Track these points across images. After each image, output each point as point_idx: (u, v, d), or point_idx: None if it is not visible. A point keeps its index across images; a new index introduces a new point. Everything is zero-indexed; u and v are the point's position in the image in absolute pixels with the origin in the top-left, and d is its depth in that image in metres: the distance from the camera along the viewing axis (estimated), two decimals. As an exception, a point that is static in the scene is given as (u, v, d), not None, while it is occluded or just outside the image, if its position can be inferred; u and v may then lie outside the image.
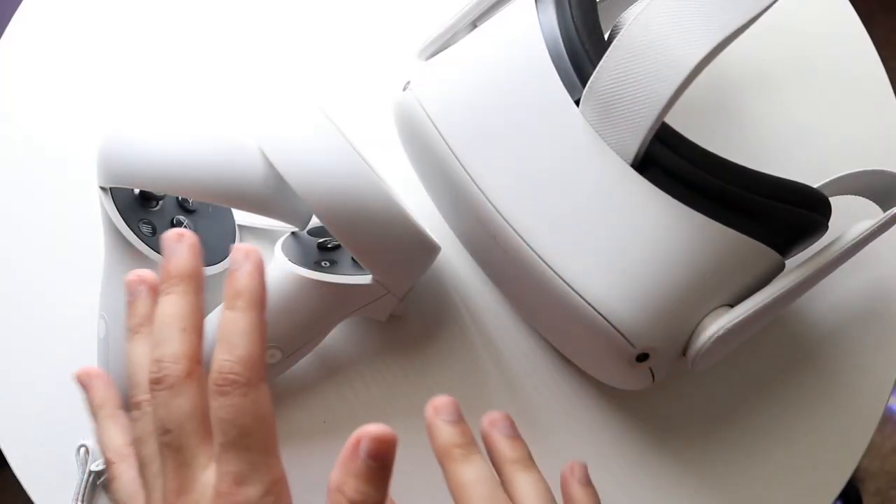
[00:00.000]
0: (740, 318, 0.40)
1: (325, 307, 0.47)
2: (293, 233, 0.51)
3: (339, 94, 0.57)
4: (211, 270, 0.50)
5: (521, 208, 0.41)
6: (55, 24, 0.59)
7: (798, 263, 0.43)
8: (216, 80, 0.58)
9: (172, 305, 0.38)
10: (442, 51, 0.46)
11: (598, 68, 0.40)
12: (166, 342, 0.37)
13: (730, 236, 0.40)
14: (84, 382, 0.45)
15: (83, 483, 0.50)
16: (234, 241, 0.53)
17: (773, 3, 0.37)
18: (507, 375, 0.52)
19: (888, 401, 0.52)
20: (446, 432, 0.40)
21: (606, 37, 0.47)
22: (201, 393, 0.36)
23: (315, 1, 0.59)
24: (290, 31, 0.58)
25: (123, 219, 0.47)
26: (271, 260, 0.48)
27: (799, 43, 0.57)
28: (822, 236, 0.43)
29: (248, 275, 0.38)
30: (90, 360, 0.51)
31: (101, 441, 0.43)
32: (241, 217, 0.54)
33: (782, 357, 0.52)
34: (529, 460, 0.40)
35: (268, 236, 0.54)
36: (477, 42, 0.45)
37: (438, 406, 0.40)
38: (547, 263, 0.41)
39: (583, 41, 0.42)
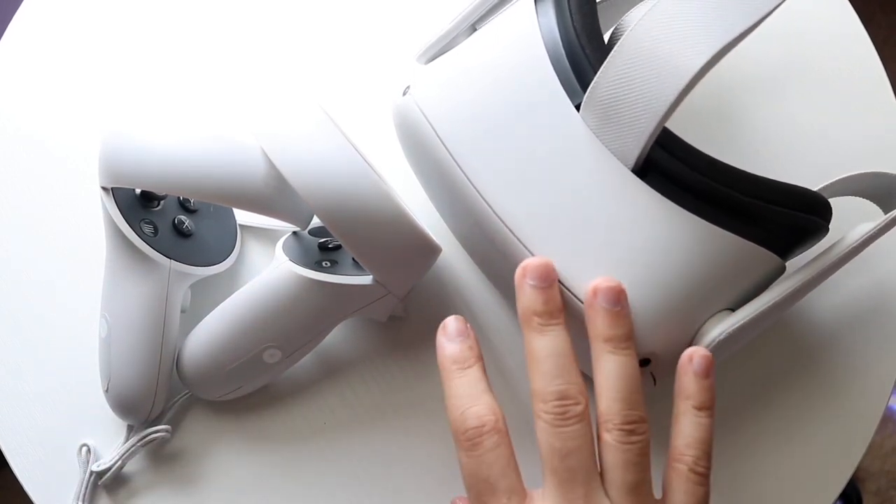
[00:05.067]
0: (742, 322, 0.40)
1: (325, 307, 0.47)
2: (294, 232, 0.51)
3: (339, 96, 0.56)
4: (211, 270, 0.50)
5: (521, 213, 0.41)
6: (55, 23, 0.59)
7: (799, 266, 0.43)
8: (217, 80, 0.58)
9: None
10: (441, 55, 0.46)
11: (599, 73, 0.40)
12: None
13: (731, 240, 0.40)
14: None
15: (84, 483, 0.50)
16: (235, 241, 0.53)
17: (776, 8, 0.37)
18: (508, 376, 0.52)
19: (888, 401, 0.52)
20: (529, 298, 0.40)
21: (607, 40, 0.47)
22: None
23: (316, 3, 0.59)
24: (291, 34, 0.58)
25: (125, 218, 0.47)
26: (272, 260, 0.48)
27: (799, 44, 0.57)
28: (822, 239, 0.43)
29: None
30: (90, 360, 0.51)
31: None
32: (242, 217, 0.54)
33: (783, 358, 0.52)
34: (626, 340, 0.39)
35: (269, 236, 0.54)
36: (476, 46, 0.45)
37: (528, 267, 0.40)
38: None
39: (583, 45, 0.42)
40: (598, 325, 0.39)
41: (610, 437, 0.38)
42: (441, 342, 0.41)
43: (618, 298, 0.39)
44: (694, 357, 0.39)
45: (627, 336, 0.39)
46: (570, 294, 0.41)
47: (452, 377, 0.40)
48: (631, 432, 0.38)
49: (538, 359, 0.39)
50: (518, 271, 0.40)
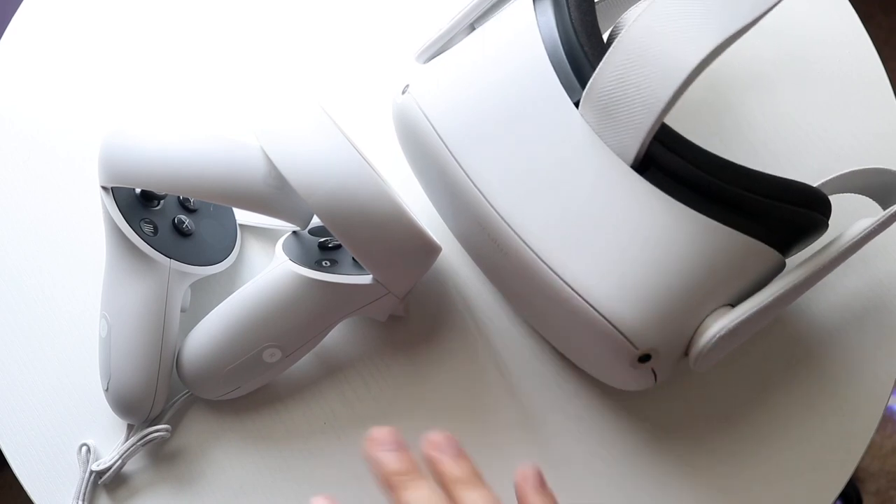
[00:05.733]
0: (742, 317, 0.40)
1: (325, 307, 0.47)
2: (294, 232, 0.51)
3: (339, 96, 0.57)
4: (211, 270, 0.50)
5: (522, 211, 0.42)
6: (56, 23, 0.59)
7: (799, 262, 0.43)
8: (217, 80, 0.58)
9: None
10: (440, 54, 0.46)
11: (597, 70, 0.40)
12: None
13: (730, 236, 0.40)
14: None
15: (84, 482, 0.50)
16: (235, 241, 0.53)
17: (774, 6, 0.37)
18: (508, 376, 0.52)
19: (888, 401, 0.52)
20: (387, 460, 0.39)
21: (605, 38, 0.47)
22: None
23: (316, 3, 0.59)
24: (291, 34, 0.58)
25: (125, 218, 0.47)
26: (272, 259, 0.48)
27: (799, 43, 0.57)
28: (822, 235, 0.43)
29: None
30: (90, 359, 0.51)
31: None
32: (242, 216, 0.54)
33: (782, 357, 0.52)
34: (476, 478, 0.39)
35: (269, 235, 0.54)
36: (475, 45, 0.45)
37: (376, 438, 0.40)
38: (548, 265, 0.41)
39: (581, 43, 0.42)
40: (448, 469, 0.39)
41: None
42: (377, 455, 0.39)
43: (400, 445, 0.39)
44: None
45: (476, 474, 0.39)
46: (569, 289, 0.41)
47: (404, 489, 0.38)
48: None
49: None
50: (366, 444, 0.39)
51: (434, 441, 0.40)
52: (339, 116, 0.46)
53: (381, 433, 0.40)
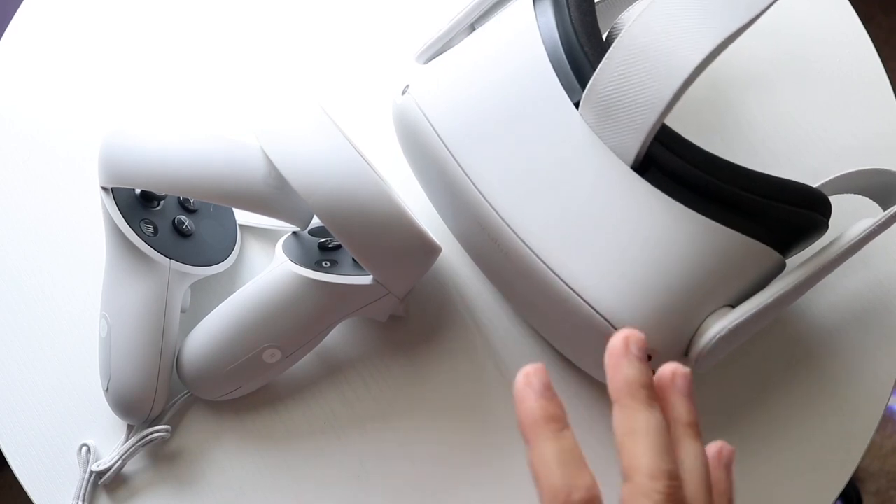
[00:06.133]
0: (742, 318, 0.40)
1: (325, 307, 0.47)
2: (294, 232, 0.51)
3: (339, 96, 0.57)
4: (211, 270, 0.50)
5: (522, 211, 0.42)
6: (56, 23, 0.59)
7: (799, 263, 0.43)
8: (217, 80, 0.58)
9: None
10: (440, 54, 0.46)
11: (597, 70, 0.40)
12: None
13: (731, 237, 0.40)
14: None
15: (84, 483, 0.50)
16: (235, 241, 0.53)
17: (772, 4, 0.37)
18: (508, 376, 0.52)
19: (888, 401, 0.52)
20: (632, 371, 0.35)
21: (605, 38, 0.47)
22: None
23: (316, 3, 0.59)
24: (292, 34, 0.58)
25: (125, 218, 0.47)
26: (272, 259, 0.48)
27: (799, 43, 0.57)
28: (822, 235, 0.43)
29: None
30: (90, 359, 0.51)
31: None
32: (242, 217, 0.54)
33: (783, 357, 0.52)
34: (699, 428, 0.36)
35: (269, 236, 0.54)
36: (475, 45, 0.45)
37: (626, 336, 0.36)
38: (548, 266, 0.41)
39: (581, 43, 0.42)
40: (679, 409, 0.36)
41: None
42: (527, 393, 0.35)
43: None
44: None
45: (699, 424, 0.37)
46: (568, 289, 0.40)
47: (544, 438, 0.35)
48: None
49: (638, 431, 0.35)
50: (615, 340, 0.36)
51: (675, 371, 0.36)
52: (339, 116, 0.46)
53: (535, 373, 0.36)
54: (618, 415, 0.35)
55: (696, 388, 0.51)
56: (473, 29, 0.47)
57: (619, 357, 0.36)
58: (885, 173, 0.47)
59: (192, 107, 0.57)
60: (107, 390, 0.49)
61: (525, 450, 0.35)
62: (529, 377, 0.35)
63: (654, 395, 0.35)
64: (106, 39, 0.59)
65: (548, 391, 0.36)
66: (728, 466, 0.38)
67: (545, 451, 0.35)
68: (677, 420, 0.36)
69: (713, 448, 0.38)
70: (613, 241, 0.40)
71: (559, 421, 0.35)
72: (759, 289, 0.41)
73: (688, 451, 0.35)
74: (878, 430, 0.51)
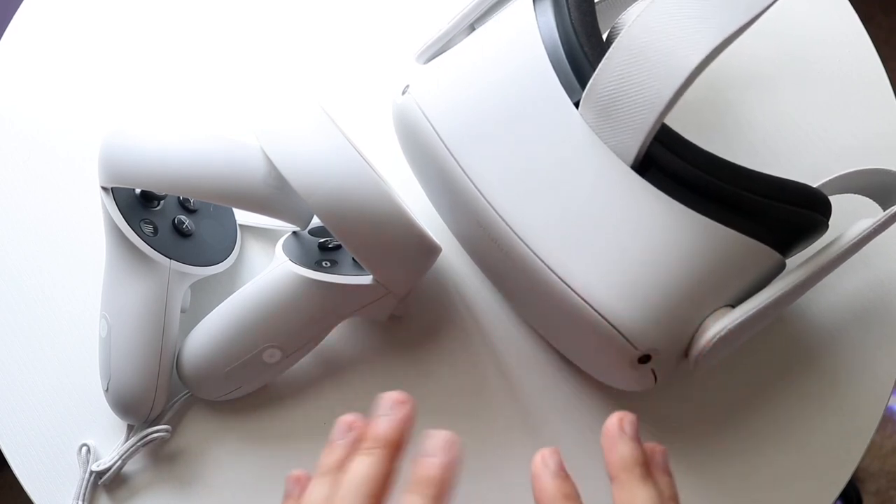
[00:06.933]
0: (742, 318, 0.40)
1: (325, 307, 0.47)
2: (294, 232, 0.51)
3: (339, 96, 0.57)
4: (211, 270, 0.50)
5: (522, 211, 0.42)
6: (56, 23, 0.59)
7: (799, 263, 0.43)
8: (217, 80, 0.58)
9: (367, 467, 0.37)
10: (440, 54, 0.46)
11: (597, 70, 0.40)
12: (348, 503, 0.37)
13: (730, 237, 0.40)
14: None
15: (84, 483, 0.50)
16: (235, 241, 0.53)
17: (772, 4, 0.37)
18: (508, 376, 0.52)
19: (888, 401, 0.52)
20: (628, 450, 0.38)
21: (605, 38, 0.47)
22: None
23: (316, 4, 0.59)
24: (292, 34, 0.58)
25: (125, 218, 0.47)
26: (272, 259, 0.48)
27: (799, 43, 0.57)
28: (822, 235, 0.43)
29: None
30: (90, 360, 0.51)
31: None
32: (242, 217, 0.54)
33: (782, 357, 0.52)
34: (679, 499, 0.39)
35: (269, 236, 0.54)
36: (475, 45, 0.45)
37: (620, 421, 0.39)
38: (548, 266, 0.41)
39: (581, 43, 0.42)
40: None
41: None
42: (543, 472, 0.38)
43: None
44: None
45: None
46: (568, 289, 0.40)
47: None
48: None
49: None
50: (538, 460, 0.39)
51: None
52: (339, 116, 0.46)
53: (551, 455, 0.39)
54: (617, 491, 0.38)
55: (696, 388, 0.51)
56: (473, 29, 0.47)
57: (615, 437, 0.39)
58: (885, 173, 0.47)
59: (192, 107, 0.57)
60: (107, 390, 0.49)
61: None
62: (546, 458, 0.39)
63: (648, 471, 0.38)
64: (106, 40, 0.59)
65: (562, 471, 0.38)
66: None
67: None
68: (662, 493, 0.38)
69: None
70: (613, 241, 0.40)
71: (573, 499, 0.38)
72: (759, 289, 0.41)
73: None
74: (878, 430, 0.51)
